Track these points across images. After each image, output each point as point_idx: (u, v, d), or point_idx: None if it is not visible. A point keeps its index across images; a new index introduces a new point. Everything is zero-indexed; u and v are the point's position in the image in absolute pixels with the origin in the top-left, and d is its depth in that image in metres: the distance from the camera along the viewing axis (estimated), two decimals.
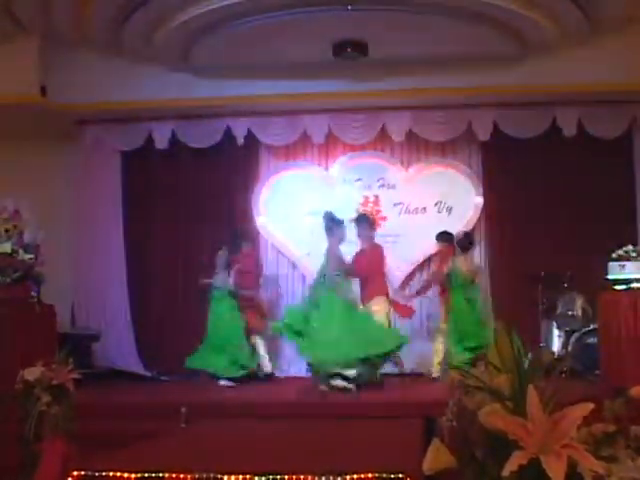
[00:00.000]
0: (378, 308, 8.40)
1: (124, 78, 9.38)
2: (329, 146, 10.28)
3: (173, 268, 10.12)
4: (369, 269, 8.59)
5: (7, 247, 6.92)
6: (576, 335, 8.73)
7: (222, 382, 8.71)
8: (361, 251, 8.78)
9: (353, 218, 8.82)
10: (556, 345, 9.05)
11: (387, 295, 8.64)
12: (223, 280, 8.97)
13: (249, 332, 9.10)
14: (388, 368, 8.38)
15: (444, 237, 9.11)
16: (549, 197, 9.79)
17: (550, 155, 9.85)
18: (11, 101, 8.93)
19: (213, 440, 3.90)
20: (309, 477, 2.65)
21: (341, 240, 8.28)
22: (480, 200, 10.02)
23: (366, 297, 8.52)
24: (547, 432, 1.80)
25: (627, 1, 8.21)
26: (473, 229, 9.93)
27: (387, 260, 8.87)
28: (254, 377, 8.88)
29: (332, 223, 8.26)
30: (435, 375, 8.69)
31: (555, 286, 9.21)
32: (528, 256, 8.97)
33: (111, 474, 2.75)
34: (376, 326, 8.07)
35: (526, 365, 2.07)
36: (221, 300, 8.98)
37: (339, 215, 8.41)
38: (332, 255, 8.16)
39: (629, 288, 7.49)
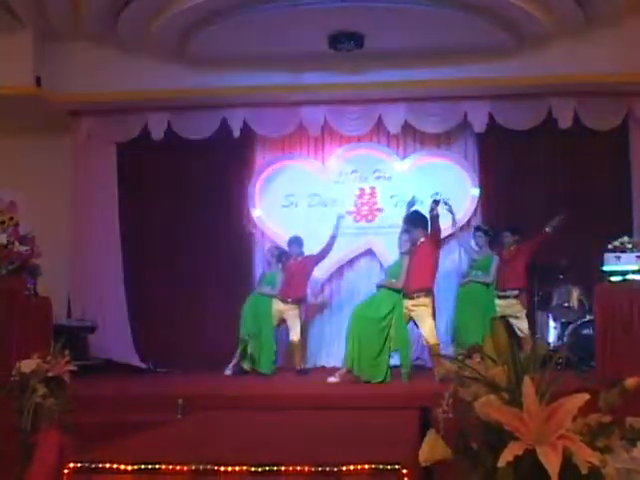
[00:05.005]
0: None
1: (119, 69, 9.35)
2: (325, 138, 10.27)
3: (169, 259, 10.10)
4: None
5: (2, 239, 6.93)
6: (572, 326, 8.75)
7: None
8: None
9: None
10: (552, 336, 9.08)
11: None
12: None
13: None
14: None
15: None
16: (545, 188, 9.79)
17: (546, 146, 9.86)
18: (6, 92, 8.89)
19: (210, 432, 3.90)
20: (305, 468, 2.65)
21: None
22: (476, 191, 10.01)
23: None
24: (543, 423, 1.81)
25: None
26: (469, 220, 9.93)
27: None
28: None
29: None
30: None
31: (551, 277, 9.23)
32: None
33: (107, 465, 2.75)
34: None
35: (522, 356, 2.07)
36: None
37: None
38: None
39: (625, 279, 7.52)
